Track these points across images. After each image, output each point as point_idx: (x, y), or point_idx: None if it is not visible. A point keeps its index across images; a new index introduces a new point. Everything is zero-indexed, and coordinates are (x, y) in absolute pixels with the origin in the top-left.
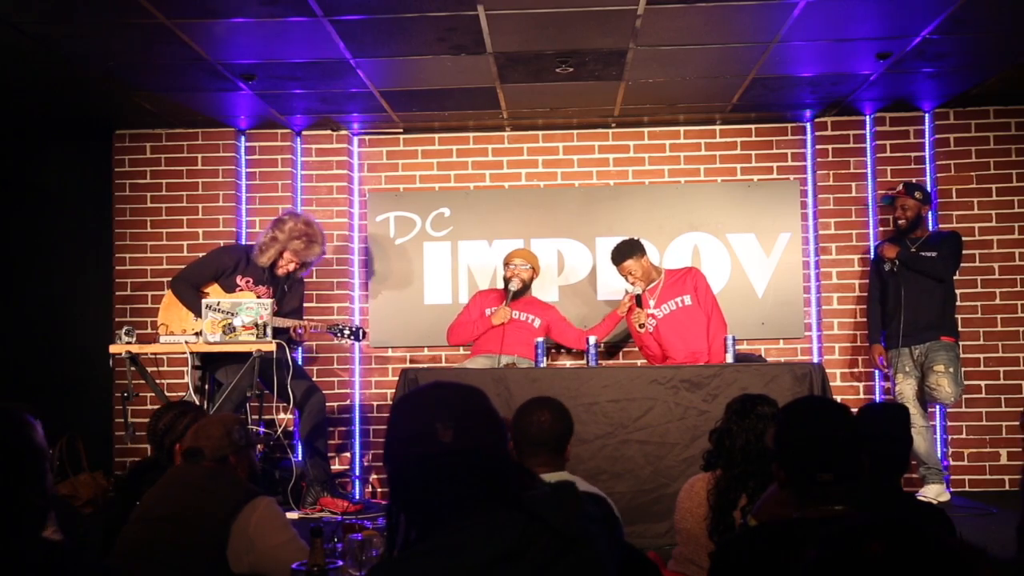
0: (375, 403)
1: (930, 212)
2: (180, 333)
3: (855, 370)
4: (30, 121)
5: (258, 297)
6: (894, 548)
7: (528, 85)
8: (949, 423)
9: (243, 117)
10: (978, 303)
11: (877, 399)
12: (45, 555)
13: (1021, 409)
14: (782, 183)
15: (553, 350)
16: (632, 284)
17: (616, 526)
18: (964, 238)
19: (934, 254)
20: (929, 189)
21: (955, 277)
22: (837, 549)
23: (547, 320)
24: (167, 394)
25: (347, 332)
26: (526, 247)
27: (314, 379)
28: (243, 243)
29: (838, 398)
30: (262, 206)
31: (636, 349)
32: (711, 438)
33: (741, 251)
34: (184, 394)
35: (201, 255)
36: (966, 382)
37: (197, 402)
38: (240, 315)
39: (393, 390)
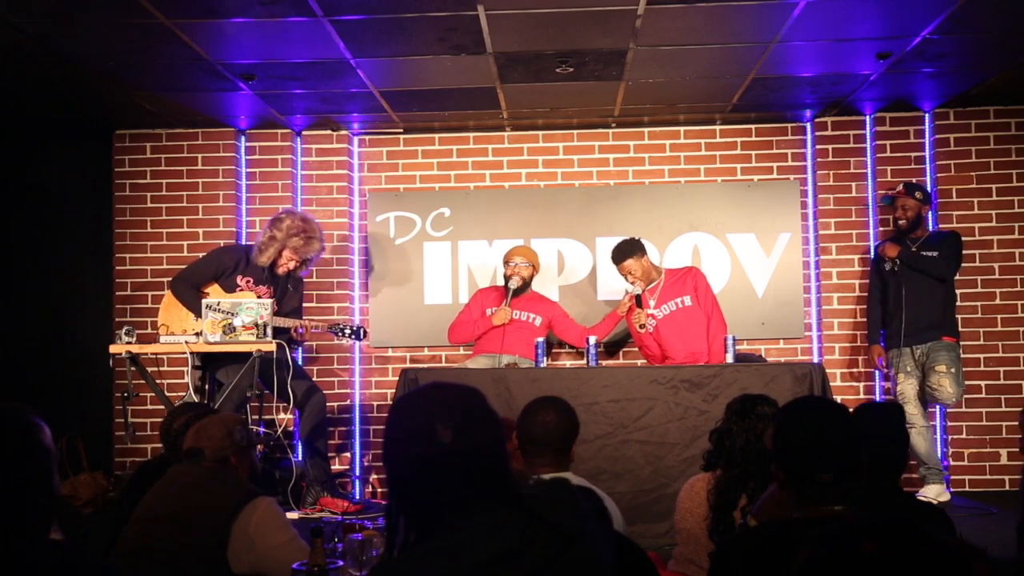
0: (375, 403)
1: (930, 212)
2: (180, 333)
3: (855, 370)
4: (30, 121)
5: (258, 297)
6: (887, 547)
7: (528, 85)
8: (949, 423)
9: (243, 117)
10: (978, 303)
11: (877, 399)
12: (51, 555)
13: (1020, 409)
14: (782, 183)
15: (554, 349)
16: (632, 284)
17: (607, 518)
18: (964, 238)
19: (935, 254)
20: (929, 189)
21: (955, 277)
22: (830, 549)
23: (549, 317)
24: (167, 394)
25: (348, 331)
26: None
27: (314, 379)
28: (243, 243)
29: (838, 398)
30: (262, 206)
31: (636, 349)
32: (711, 438)
33: (741, 251)
34: (184, 394)
35: (201, 255)
36: (966, 382)
37: (197, 402)
38: (240, 315)
39: (393, 390)
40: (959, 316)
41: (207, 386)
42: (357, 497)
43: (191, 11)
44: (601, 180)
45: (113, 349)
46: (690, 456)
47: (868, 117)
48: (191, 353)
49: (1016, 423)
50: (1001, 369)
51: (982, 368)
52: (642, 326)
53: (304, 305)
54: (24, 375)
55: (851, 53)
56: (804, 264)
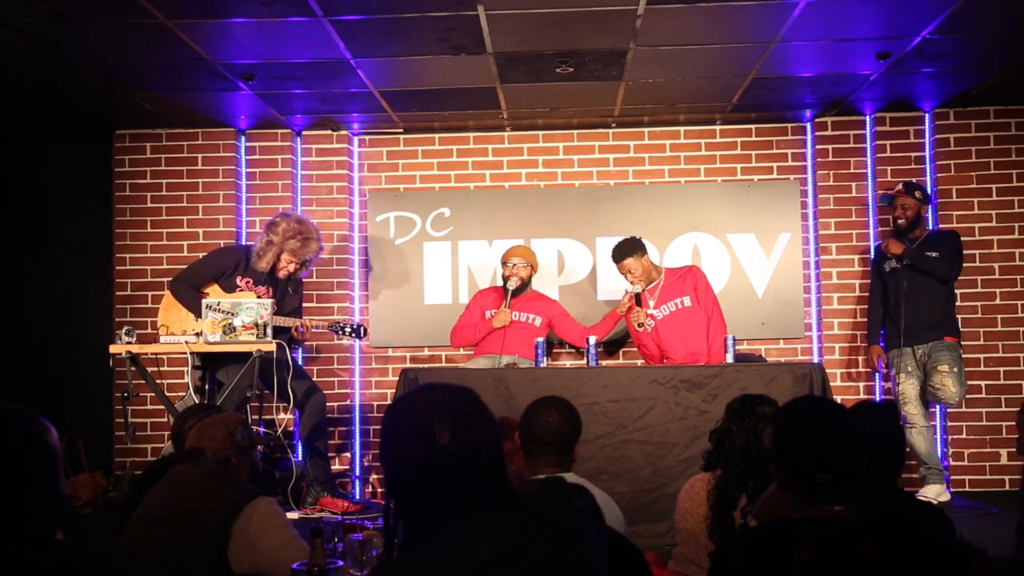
0: (375, 403)
1: (930, 212)
2: (180, 333)
3: (855, 370)
4: (30, 121)
5: (258, 297)
6: (887, 547)
7: (528, 85)
8: (949, 423)
9: (243, 117)
10: (978, 303)
11: (877, 399)
12: (55, 556)
13: (1019, 409)
14: (782, 183)
15: (554, 349)
16: (632, 283)
17: (599, 516)
18: (964, 238)
19: (936, 254)
20: (929, 189)
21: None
22: (828, 549)
23: (549, 317)
24: (167, 394)
25: (348, 330)
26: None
27: (314, 379)
28: (243, 243)
29: (838, 398)
30: (262, 206)
31: (636, 349)
32: (711, 438)
33: (741, 251)
34: (184, 394)
35: (201, 255)
36: (967, 382)
37: (196, 402)
38: (240, 315)
39: (393, 390)
40: (959, 316)
41: (207, 386)
42: (357, 497)
43: (191, 11)
44: (601, 180)
45: (113, 349)
46: (690, 456)
47: (868, 117)
48: (191, 353)
49: (1015, 423)
50: (1001, 369)
51: (982, 368)
52: (640, 325)
53: (304, 305)
54: (24, 375)
55: (851, 53)
56: (804, 264)
